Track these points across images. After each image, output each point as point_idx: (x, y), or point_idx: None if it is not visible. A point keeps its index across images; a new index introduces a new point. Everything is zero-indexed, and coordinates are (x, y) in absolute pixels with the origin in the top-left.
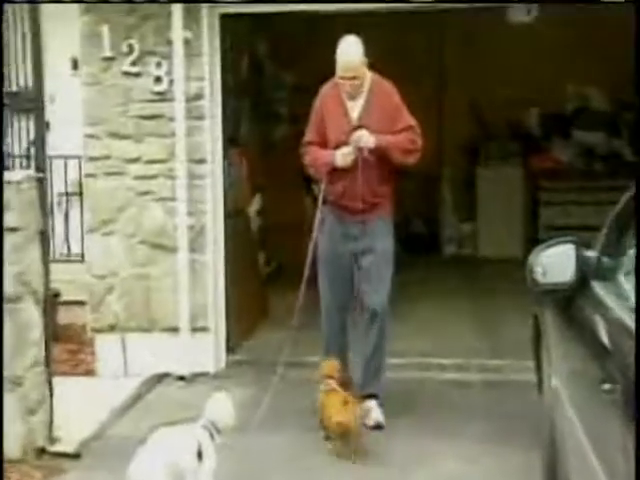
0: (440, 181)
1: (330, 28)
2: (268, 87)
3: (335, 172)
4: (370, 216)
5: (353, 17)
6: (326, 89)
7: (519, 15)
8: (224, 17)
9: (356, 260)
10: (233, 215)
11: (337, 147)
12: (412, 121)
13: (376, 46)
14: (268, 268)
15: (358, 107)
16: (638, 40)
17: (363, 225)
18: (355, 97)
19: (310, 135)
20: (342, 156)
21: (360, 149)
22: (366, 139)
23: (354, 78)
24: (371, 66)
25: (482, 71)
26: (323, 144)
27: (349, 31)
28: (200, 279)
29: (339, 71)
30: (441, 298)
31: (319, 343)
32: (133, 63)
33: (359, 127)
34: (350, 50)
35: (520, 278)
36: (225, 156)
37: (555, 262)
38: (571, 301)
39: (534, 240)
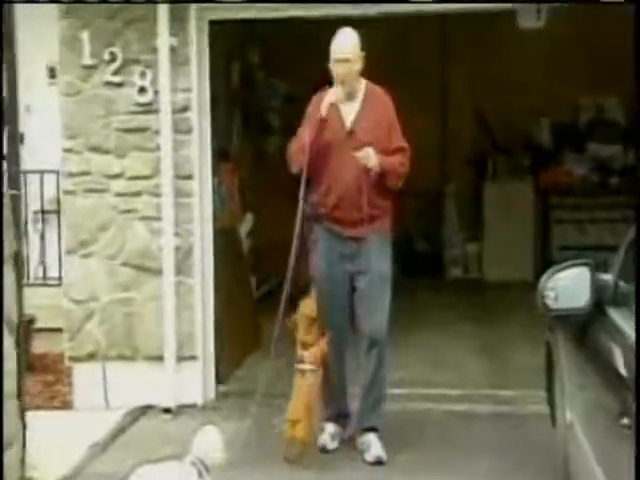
0: (444, 197)
1: (325, 35)
2: (260, 97)
3: (328, 181)
4: (367, 231)
5: (350, 23)
6: (320, 94)
7: (528, 20)
8: (213, 23)
9: (352, 282)
10: (223, 235)
11: (330, 153)
12: (404, 141)
13: (374, 53)
14: (260, 292)
15: (352, 112)
16: (638, 41)
17: (359, 243)
18: (349, 96)
19: (299, 133)
20: (331, 94)
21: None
22: (373, 162)
23: (347, 61)
24: (368, 77)
25: (489, 79)
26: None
27: None
28: (187, 304)
29: (333, 55)
30: (445, 324)
31: None
32: (115, 72)
33: (351, 132)
34: (345, 36)
35: (531, 303)
36: (214, 172)
37: (568, 286)
38: (586, 328)
39: (546, 262)
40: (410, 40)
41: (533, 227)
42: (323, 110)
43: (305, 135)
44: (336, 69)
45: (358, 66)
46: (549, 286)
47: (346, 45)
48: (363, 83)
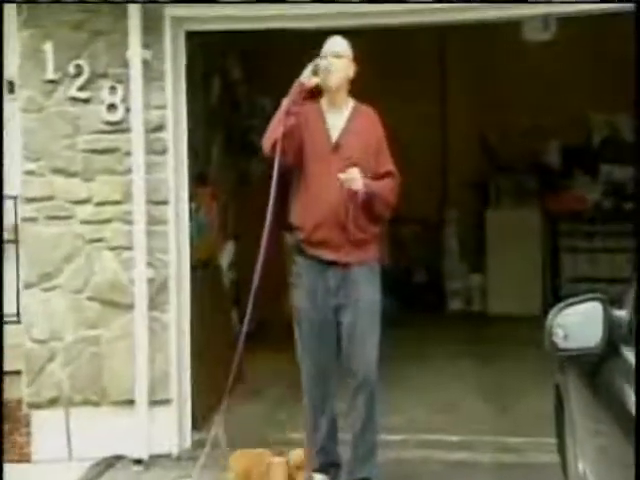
0: (444, 225)
1: (314, 48)
2: (243, 115)
3: (309, 197)
4: (353, 257)
5: (341, 34)
6: (306, 107)
7: (535, 32)
8: (191, 35)
9: (337, 316)
10: (201, 266)
11: (313, 167)
12: (393, 166)
13: (367, 66)
14: (243, 328)
15: (338, 126)
16: (638, 41)
17: (344, 271)
18: (336, 104)
19: None
20: (314, 62)
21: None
22: (358, 184)
23: (338, 56)
24: (359, 93)
25: (492, 96)
26: (297, 163)
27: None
28: (161, 342)
29: (322, 51)
30: (445, 362)
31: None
32: (82, 87)
33: (337, 146)
34: (336, 39)
35: (538, 340)
36: (191, 197)
37: (579, 323)
38: (599, 369)
39: (554, 295)
40: (406, 54)
41: (541, 257)
42: (304, 75)
43: (281, 114)
44: (324, 61)
45: (349, 70)
46: (558, 323)
47: (338, 43)
48: (350, 101)
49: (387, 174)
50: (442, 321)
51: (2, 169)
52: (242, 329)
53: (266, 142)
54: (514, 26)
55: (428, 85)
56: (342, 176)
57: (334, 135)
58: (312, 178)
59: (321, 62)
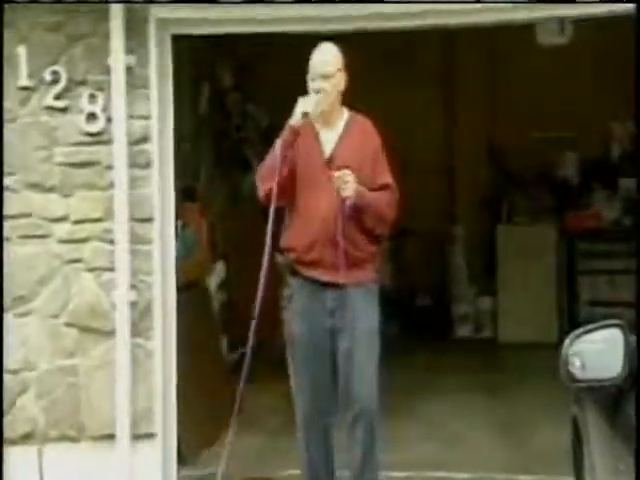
0: (452, 243)
1: (311, 52)
2: (234, 126)
3: (302, 216)
4: (349, 278)
5: (341, 38)
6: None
7: (550, 36)
8: (178, 39)
9: (333, 341)
10: (188, 289)
11: (306, 185)
12: (391, 179)
13: (369, 73)
14: (234, 354)
15: (332, 140)
16: (638, 42)
17: (340, 293)
18: (329, 122)
19: None
20: (300, 105)
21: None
22: (351, 188)
23: (328, 77)
24: (350, 106)
25: (503, 105)
26: (289, 181)
27: None
28: (145, 371)
29: (310, 70)
30: (452, 392)
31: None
32: (59, 95)
33: (331, 160)
34: (324, 49)
35: (554, 369)
36: (178, 214)
37: (598, 351)
38: (620, 402)
39: (571, 320)
40: (411, 60)
41: (556, 278)
42: (295, 119)
43: (274, 160)
44: (314, 85)
45: (340, 85)
46: (574, 351)
47: (327, 60)
48: (345, 112)
49: (384, 187)
50: (448, 348)
51: (2, 171)
52: (246, 358)
53: (260, 187)
54: (527, 30)
55: (434, 93)
56: (335, 174)
57: (327, 149)
58: (305, 195)
59: (310, 99)
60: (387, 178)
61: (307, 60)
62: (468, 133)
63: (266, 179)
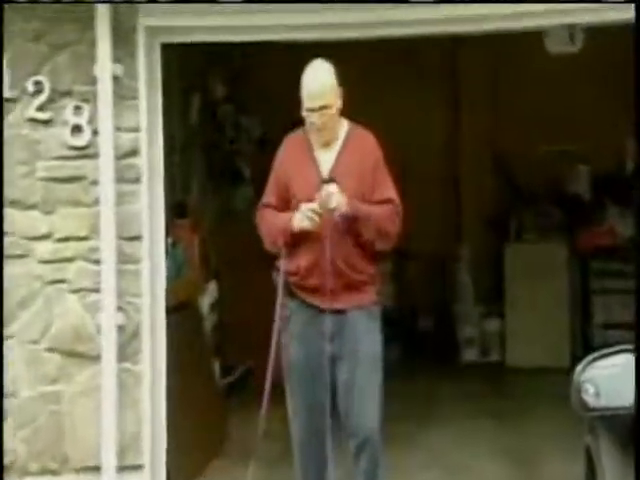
0: (456, 261)
1: (308, 62)
2: (226, 138)
3: (298, 241)
4: (349, 302)
5: (339, 47)
6: (290, 138)
7: (560, 43)
8: (167, 48)
9: (333, 368)
10: (179, 310)
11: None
12: (394, 193)
13: (367, 80)
14: (227, 379)
15: (330, 159)
16: (638, 42)
17: (340, 318)
18: (327, 142)
19: (268, 196)
20: (302, 215)
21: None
22: (337, 199)
23: (325, 108)
24: (349, 115)
25: (510, 117)
26: (285, 207)
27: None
28: (132, 398)
29: (305, 101)
30: (457, 420)
31: None
32: (42, 107)
33: (329, 180)
34: (318, 73)
35: (566, 396)
36: (168, 231)
37: (612, 378)
38: (635, 431)
39: (584, 344)
40: (413, 69)
41: (568, 299)
42: (296, 223)
43: (276, 224)
44: (310, 119)
45: (337, 107)
46: (587, 378)
47: (319, 89)
48: (344, 124)
49: (385, 201)
50: (453, 373)
51: (2, 175)
52: (266, 380)
53: (267, 245)
54: (536, 37)
55: (437, 105)
56: (321, 194)
57: (325, 169)
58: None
59: (316, 206)
60: (389, 192)
61: (302, 68)
62: (473, 145)
63: (272, 241)
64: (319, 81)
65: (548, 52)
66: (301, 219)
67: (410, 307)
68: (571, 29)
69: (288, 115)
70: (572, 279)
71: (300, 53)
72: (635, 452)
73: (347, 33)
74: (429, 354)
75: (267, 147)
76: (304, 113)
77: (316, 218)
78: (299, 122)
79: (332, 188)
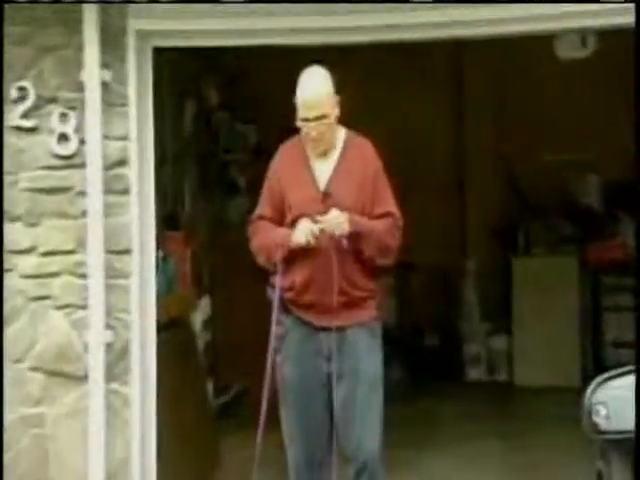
0: (462, 276)
1: (306, 67)
2: (221, 147)
3: (293, 256)
4: (349, 320)
5: (338, 51)
6: (286, 147)
7: (570, 48)
8: (159, 52)
9: (331, 388)
10: (170, 327)
11: (298, 220)
12: (394, 207)
13: (368, 85)
14: (221, 399)
15: (327, 170)
16: (638, 42)
17: (339, 336)
18: (324, 152)
19: (261, 208)
20: (301, 232)
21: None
22: (337, 223)
23: (321, 118)
24: (349, 122)
25: (518, 124)
26: (279, 220)
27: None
28: (121, 421)
29: (301, 111)
30: (463, 441)
31: None
32: (26, 114)
33: (327, 195)
34: (314, 82)
35: (576, 418)
36: (159, 244)
37: (624, 400)
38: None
39: (596, 363)
40: (416, 74)
41: (579, 316)
42: (295, 239)
43: (272, 238)
44: (306, 129)
45: (334, 116)
46: (599, 399)
47: (315, 98)
48: (342, 133)
49: (385, 215)
50: (458, 393)
51: (2, 179)
52: (262, 404)
53: (259, 261)
54: (545, 41)
55: (441, 111)
56: (323, 218)
57: (322, 182)
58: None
59: (317, 228)
60: (388, 206)
61: (297, 73)
62: (478, 152)
63: (266, 252)
64: (315, 89)
65: (557, 57)
66: (301, 236)
67: (412, 323)
68: (582, 33)
69: (285, 123)
70: (583, 295)
71: (298, 57)
72: (635, 454)
73: (350, 37)
74: (433, 373)
75: (263, 156)
76: (299, 123)
77: (312, 239)
78: (297, 130)
79: (333, 213)
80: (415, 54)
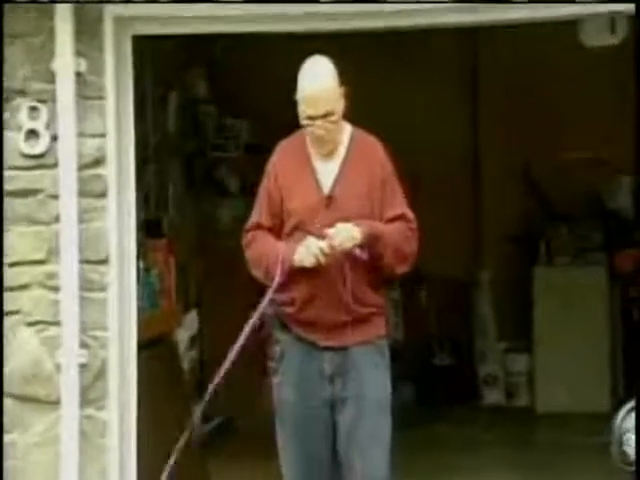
0: (476, 288)
1: (303, 57)
2: (209, 144)
3: (293, 269)
4: (354, 338)
5: (340, 39)
6: (284, 145)
7: (598, 36)
8: (139, 40)
9: (334, 413)
10: (152, 346)
11: (302, 228)
12: (406, 208)
13: (372, 79)
14: (209, 425)
15: (332, 170)
16: (638, 42)
17: (342, 353)
18: (330, 153)
19: (258, 215)
20: (307, 250)
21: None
22: (347, 235)
23: (329, 114)
24: (350, 118)
25: (538, 120)
26: (279, 228)
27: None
28: (97, 450)
29: (305, 108)
30: (477, 475)
31: None
32: None
33: (331, 199)
34: (319, 74)
35: (605, 447)
36: (141, 253)
37: None
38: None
39: (627, 386)
40: (423, 67)
41: (608, 332)
42: (298, 258)
43: (270, 251)
44: (311, 128)
45: (339, 111)
46: (629, 427)
47: (321, 92)
48: (347, 129)
49: (397, 218)
50: (473, 419)
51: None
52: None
53: (253, 272)
54: (568, 28)
55: (454, 108)
56: (330, 232)
57: (326, 185)
58: (301, 240)
59: (324, 246)
60: (401, 208)
61: (297, 62)
62: (497, 156)
63: (264, 267)
64: (321, 83)
65: (582, 48)
66: (305, 255)
67: (422, 340)
68: (612, 18)
69: (281, 117)
70: (612, 308)
71: (295, 45)
72: (636, 455)
73: (349, 23)
74: (443, 395)
75: (256, 154)
76: (304, 121)
77: (321, 258)
78: (296, 126)
79: (341, 226)
80: (423, 45)
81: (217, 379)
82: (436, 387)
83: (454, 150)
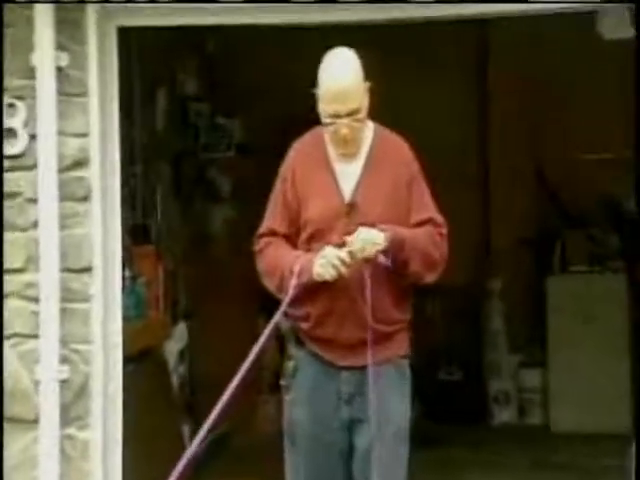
0: (486, 298)
1: (300, 52)
2: (200, 144)
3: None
4: (375, 358)
5: (339, 32)
6: (302, 144)
7: (618, 28)
8: (124, 31)
9: (351, 434)
10: (139, 360)
11: (321, 236)
12: (435, 212)
13: (377, 74)
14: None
15: (353, 173)
16: (638, 42)
17: (361, 373)
18: (352, 154)
19: (272, 220)
20: (326, 261)
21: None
22: (368, 241)
23: (355, 112)
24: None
25: (554, 117)
26: (293, 236)
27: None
28: (78, 472)
29: (328, 104)
30: None
31: None
32: None
33: (352, 206)
34: (345, 68)
35: (626, 471)
36: (126, 261)
37: None
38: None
39: None
40: (433, 61)
41: (628, 345)
42: (317, 271)
43: (286, 263)
44: (336, 127)
45: (364, 108)
46: None
47: (348, 87)
48: (370, 127)
49: (425, 222)
50: (483, 438)
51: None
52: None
53: (271, 286)
54: (584, 20)
55: (462, 103)
56: (349, 238)
57: (347, 189)
58: (320, 250)
59: (345, 255)
60: (429, 211)
61: (294, 58)
62: (507, 158)
63: (277, 280)
64: (348, 78)
65: (600, 40)
66: (325, 267)
67: (429, 354)
68: (633, 9)
69: (277, 116)
70: (633, 319)
71: (292, 39)
72: (636, 455)
73: (352, 15)
74: (452, 413)
75: (251, 155)
76: (326, 120)
77: (343, 269)
78: (293, 125)
79: (363, 232)
80: (430, 38)
81: (226, 397)
82: (442, 404)
83: (463, 153)
